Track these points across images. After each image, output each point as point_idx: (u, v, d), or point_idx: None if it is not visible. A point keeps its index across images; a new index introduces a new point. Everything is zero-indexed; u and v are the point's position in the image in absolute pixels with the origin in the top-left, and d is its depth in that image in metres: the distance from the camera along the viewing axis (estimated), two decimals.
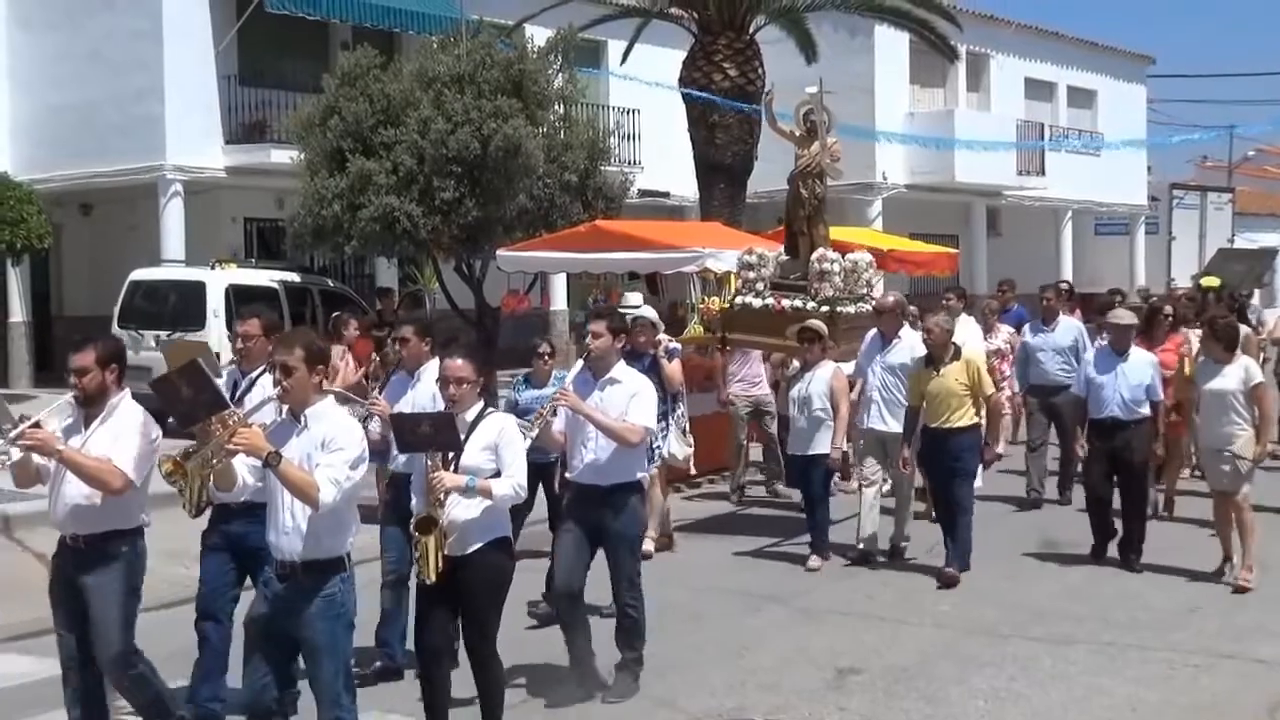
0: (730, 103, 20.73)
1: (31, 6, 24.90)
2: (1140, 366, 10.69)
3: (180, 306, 18.67)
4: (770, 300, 12.45)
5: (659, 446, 10.76)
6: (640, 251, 15.83)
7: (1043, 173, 33.99)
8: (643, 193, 26.19)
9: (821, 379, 11.14)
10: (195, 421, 5.85)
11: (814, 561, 11.04)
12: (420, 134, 17.44)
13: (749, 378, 14.26)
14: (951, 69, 31.31)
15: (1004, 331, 15.01)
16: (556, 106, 19.28)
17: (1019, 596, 10.04)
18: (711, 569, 11.11)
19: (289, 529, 5.88)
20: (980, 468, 11.30)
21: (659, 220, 22.44)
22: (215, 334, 17.65)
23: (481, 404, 6.67)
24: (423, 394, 7.97)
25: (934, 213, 32.10)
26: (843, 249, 20.86)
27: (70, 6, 24.20)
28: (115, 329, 18.99)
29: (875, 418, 11.29)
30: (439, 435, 6.41)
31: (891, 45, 29.83)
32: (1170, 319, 13.18)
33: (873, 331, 11.67)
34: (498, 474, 6.49)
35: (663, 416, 10.46)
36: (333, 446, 5.84)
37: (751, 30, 22.22)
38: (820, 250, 12.51)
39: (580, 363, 7.76)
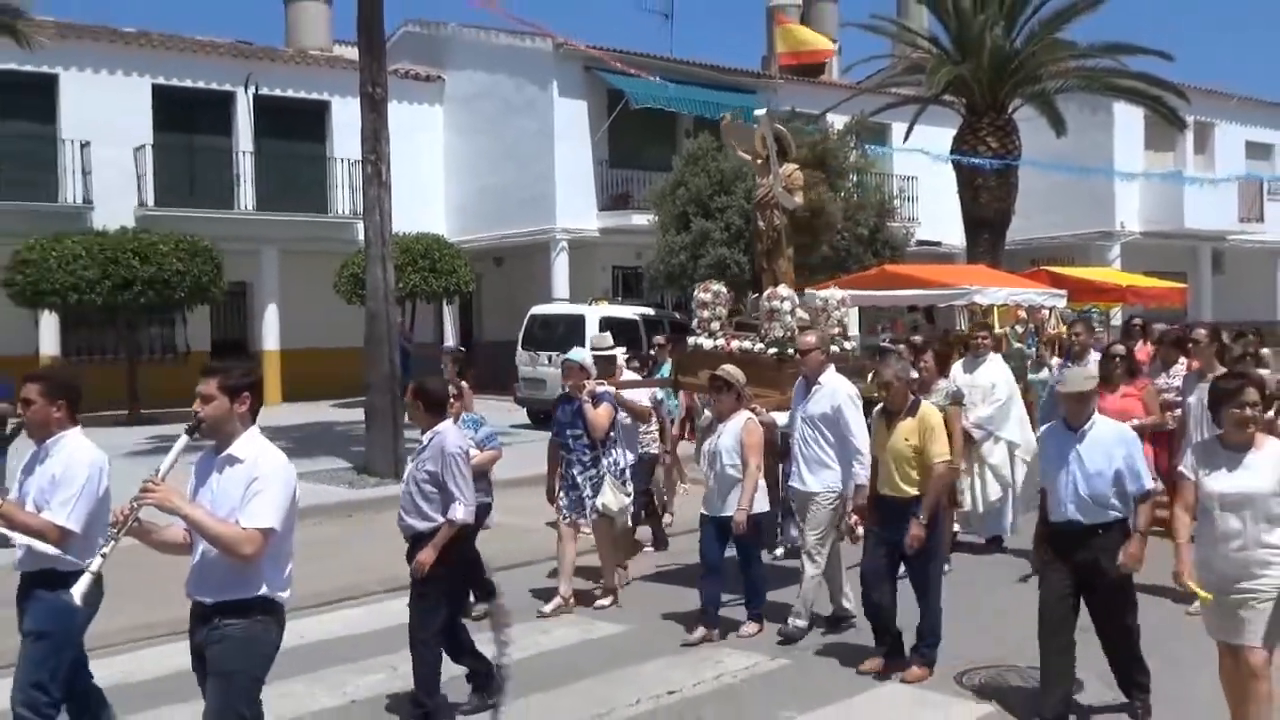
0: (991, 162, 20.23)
1: (464, 117, 26.57)
2: (1105, 445, 5.85)
3: (566, 334, 19.38)
4: (721, 341, 9.45)
5: (588, 496, 8.25)
6: (919, 289, 15.69)
7: (1262, 220, 31.69)
8: (920, 242, 25.79)
9: (731, 432, 7.75)
10: None
11: (748, 628, 7.68)
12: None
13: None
14: (1180, 136, 29.43)
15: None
16: (852, 176, 19.26)
17: (1180, 689, 6.26)
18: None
19: None
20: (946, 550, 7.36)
21: (934, 264, 22.06)
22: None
23: None
24: (44, 473, 5.00)
25: (1165, 255, 30.21)
26: (1086, 286, 20.38)
27: (489, 115, 25.68)
28: (519, 351, 20.06)
29: (795, 476, 7.83)
30: None
31: (1128, 118, 28.32)
32: (1121, 360, 8.70)
33: (800, 378, 8.08)
34: None
35: (593, 464, 8.26)
36: None
37: (1010, 110, 21.68)
38: (772, 287, 9.41)
39: (184, 435, 4.34)
